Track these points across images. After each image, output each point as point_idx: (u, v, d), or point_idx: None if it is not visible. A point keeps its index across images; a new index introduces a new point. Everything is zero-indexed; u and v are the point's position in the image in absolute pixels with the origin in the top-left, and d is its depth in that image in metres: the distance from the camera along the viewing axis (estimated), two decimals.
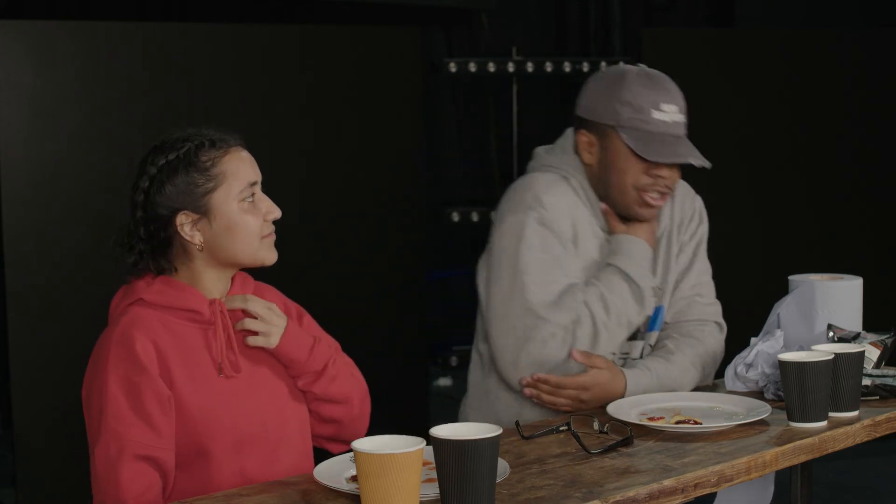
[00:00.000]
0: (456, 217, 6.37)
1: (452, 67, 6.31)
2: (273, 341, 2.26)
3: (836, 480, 4.66)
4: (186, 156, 2.22)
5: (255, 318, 2.26)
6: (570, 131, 2.82)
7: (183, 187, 2.21)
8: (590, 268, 2.70)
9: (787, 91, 5.16)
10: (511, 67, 6.46)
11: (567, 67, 6.48)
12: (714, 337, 2.80)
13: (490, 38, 7.21)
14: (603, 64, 6.50)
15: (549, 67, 6.47)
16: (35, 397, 4.20)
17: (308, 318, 2.43)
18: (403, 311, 4.74)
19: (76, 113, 4.24)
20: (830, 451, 2.31)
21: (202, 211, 2.21)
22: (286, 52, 4.58)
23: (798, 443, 2.25)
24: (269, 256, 2.27)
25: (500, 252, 2.68)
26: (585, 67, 6.49)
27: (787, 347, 2.66)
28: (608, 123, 2.68)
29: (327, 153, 4.61)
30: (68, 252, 4.23)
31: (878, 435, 2.43)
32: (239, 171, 2.23)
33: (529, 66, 6.46)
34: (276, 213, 2.27)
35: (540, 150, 2.85)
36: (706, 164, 2.70)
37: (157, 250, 2.25)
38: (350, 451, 1.89)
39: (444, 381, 6.51)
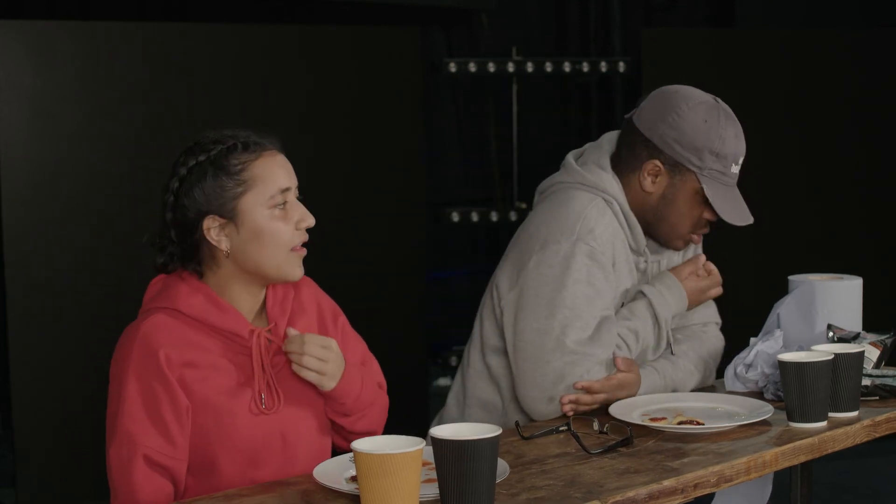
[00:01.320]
0: (456, 217, 6.36)
1: (452, 67, 6.30)
2: (328, 385, 2.21)
3: (836, 480, 4.65)
4: (216, 158, 2.16)
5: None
6: (605, 141, 2.72)
7: (211, 191, 2.15)
8: (621, 293, 2.65)
9: (787, 91, 5.16)
10: (511, 67, 6.45)
11: (567, 67, 6.47)
12: (716, 336, 2.80)
13: (490, 38, 7.20)
14: (603, 64, 6.50)
15: (549, 67, 6.47)
16: (35, 397, 4.20)
17: (343, 319, 2.39)
18: (403, 311, 4.75)
19: (76, 113, 4.24)
20: (830, 451, 2.31)
21: (230, 216, 2.16)
22: (286, 52, 4.58)
23: (798, 443, 2.25)
24: (295, 272, 2.21)
25: (539, 279, 2.56)
26: (585, 67, 6.48)
27: (786, 347, 2.66)
28: (690, 168, 2.59)
29: (327, 153, 4.60)
30: (68, 252, 4.23)
31: (877, 435, 2.43)
32: (270, 175, 2.17)
33: (529, 66, 6.45)
34: (310, 220, 2.20)
35: (573, 163, 2.73)
36: (751, 220, 2.68)
37: (187, 254, 2.20)
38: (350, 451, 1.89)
39: (444, 381, 6.50)
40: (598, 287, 2.54)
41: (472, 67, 6.34)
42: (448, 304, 7.12)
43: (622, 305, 2.66)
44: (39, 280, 4.19)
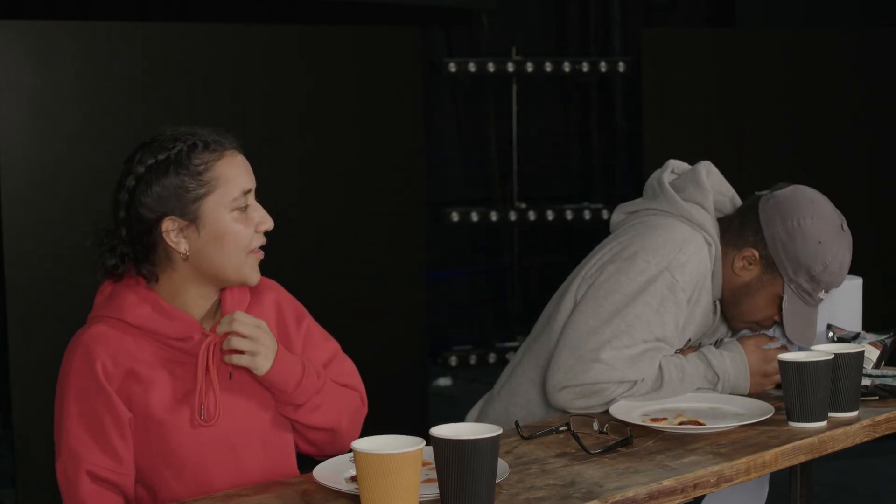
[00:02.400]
0: (456, 217, 6.37)
1: (452, 67, 6.31)
2: (261, 365, 2.10)
3: (835, 480, 4.65)
4: (178, 157, 2.07)
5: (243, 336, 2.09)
6: (703, 177, 2.67)
7: (172, 191, 2.07)
8: (690, 330, 2.63)
9: (787, 91, 5.17)
10: (511, 67, 6.46)
11: (567, 67, 6.48)
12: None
13: (490, 38, 7.21)
14: (603, 64, 6.50)
15: (548, 67, 6.48)
16: (35, 397, 4.20)
17: (309, 321, 2.31)
18: (403, 311, 4.75)
19: (76, 113, 4.24)
20: (830, 451, 2.31)
21: (191, 217, 2.08)
22: (286, 52, 4.58)
23: (797, 443, 2.25)
24: (253, 276, 2.14)
25: (614, 285, 2.54)
26: (585, 67, 6.49)
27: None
28: (784, 276, 2.58)
29: (327, 153, 4.60)
30: (68, 252, 4.23)
31: (877, 435, 2.43)
32: (233, 177, 2.10)
33: (529, 66, 6.46)
34: (269, 223, 2.14)
35: (674, 195, 2.66)
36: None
37: (140, 255, 2.11)
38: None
39: (444, 381, 6.51)
40: (664, 319, 2.53)
41: (472, 67, 6.35)
42: (448, 304, 7.12)
43: (699, 345, 2.66)
44: (39, 280, 4.19)
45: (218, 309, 2.20)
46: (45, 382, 4.21)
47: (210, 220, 2.09)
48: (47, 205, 4.20)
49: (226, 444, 2.13)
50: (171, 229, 2.09)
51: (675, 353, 2.60)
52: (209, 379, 2.11)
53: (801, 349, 2.56)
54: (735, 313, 2.67)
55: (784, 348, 2.65)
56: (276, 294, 2.30)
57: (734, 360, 2.59)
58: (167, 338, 2.10)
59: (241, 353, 2.09)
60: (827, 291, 2.60)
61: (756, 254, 2.60)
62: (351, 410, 2.28)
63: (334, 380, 2.27)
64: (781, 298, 2.59)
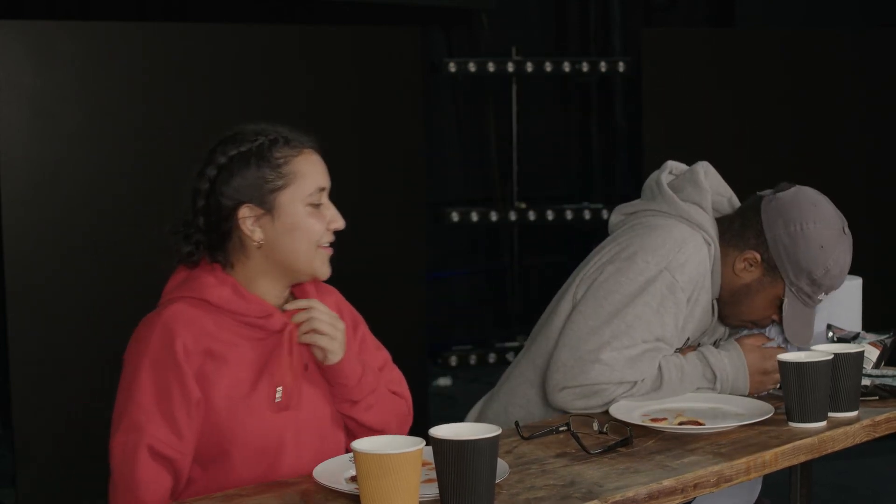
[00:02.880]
0: (456, 217, 6.37)
1: (452, 67, 6.31)
2: (337, 352, 2.20)
3: (835, 480, 4.65)
4: (259, 150, 2.17)
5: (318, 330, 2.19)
6: (701, 176, 2.67)
7: (252, 181, 2.16)
8: (689, 329, 2.62)
9: (787, 91, 5.17)
10: (511, 67, 6.46)
11: (567, 67, 6.48)
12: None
13: (490, 38, 7.21)
14: (602, 64, 6.49)
15: (548, 67, 6.48)
16: (35, 397, 4.20)
17: (364, 328, 2.39)
18: (403, 311, 4.75)
19: (76, 113, 4.24)
20: (830, 451, 2.31)
21: (267, 207, 2.16)
22: (286, 52, 4.58)
23: (797, 443, 2.25)
24: (324, 269, 2.23)
25: (614, 286, 2.55)
26: (585, 67, 6.49)
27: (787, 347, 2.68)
28: (785, 279, 2.58)
29: (327, 153, 4.60)
30: (68, 252, 4.23)
31: (877, 435, 2.43)
32: (310, 173, 2.20)
33: (529, 66, 6.46)
34: (340, 223, 2.23)
35: (673, 196, 2.66)
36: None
37: (215, 243, 2.19)
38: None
39: (444, 381, 6.51)
40: (664, 319, 2.53)
41: (472, 67, 6.35)
42: (448, 304, 7.13)
43: (695, 343, 2.66)
44: (39, 280, 4.19)
45: (289, 301, 2.27)
46: (45, 382, 4.23)
47: (285, 211, 2.18)
48: (47, 205, 4.20)
49: (293, 431, 2.18)
50: (247, 217, 2.17)
51: (675, 352, 2.60)
52: (291, 363, 2.18)
53: (799, 349, 2.57)
54: (733, 312, 2.67)
55: (782, 348, 2.65)
56: (337, 298, 2.38)
57: (732, 359, 2.59)
58: (247, 317, 2.16)
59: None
60: (826, 294, 2.61)
61: (758, 256, 2.60)
62: (399, 417, 2.36)
63: (385, 386, 2.35)
64: (781, 300, 2.59)
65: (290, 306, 2.21)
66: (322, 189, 2.22)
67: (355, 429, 2.28)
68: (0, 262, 4.26)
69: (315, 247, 2.20)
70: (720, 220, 2.67)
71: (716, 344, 2.71)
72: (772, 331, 2.69)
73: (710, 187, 2.69)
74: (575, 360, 2.50)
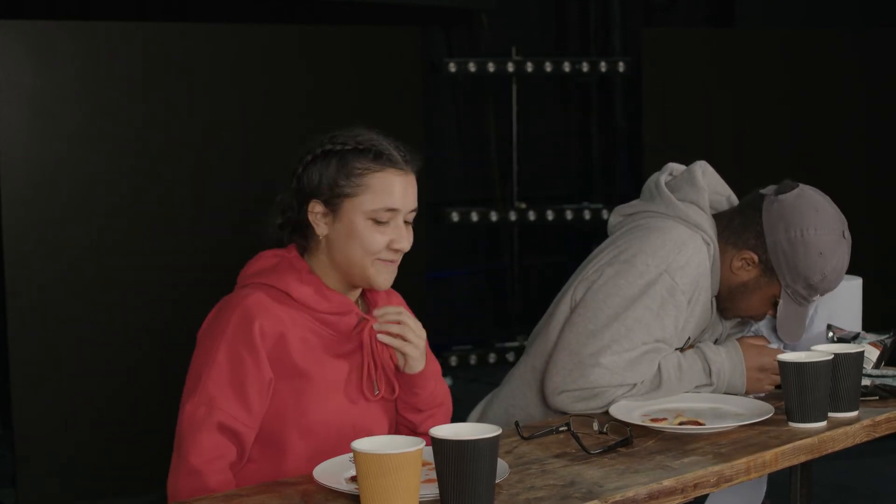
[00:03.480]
0: (456, 217, 6.36)
1: (452, 67, 6.31)
2: (419, 364, 2.28)
3: (835, 480, 4.65)
4: (344, 154, 2.24)
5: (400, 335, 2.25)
6: (698, 176, 2.68)
7: (327, 180, 2.23)
8: (689, 329, 2.63)
9: (787, 91, 5.17)
10: (511, 67, 6.45)
11: (567, 67, 6.48)
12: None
13: (490, 38, 7.21)
14: (602, 64, 6.49)
15: (548, 67, 6.47)
16: (35, 397, 4.20)
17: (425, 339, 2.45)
18: None
19: (76, 113, 4.24)
20: (830, 451, 2.31)
21: (333, 208, 2.24)
22: (286, 52, 4.58)
23: (797, 443, 2.25)
24: (379, 280, 2.27)
25: (613, 289, 2.55)
26: (585, 67, 6.48)
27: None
28: (781, 281, 2.59)
29: None
30: (68, 252, 4.23)
31: (877, 435, 2.43)
32: (383, 192, 2.23)
33: (529, 66, 6.46)
34: (403, 244, 2.26)
35: (671, 196, 2.67)
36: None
37: (298, 225, 2.28)
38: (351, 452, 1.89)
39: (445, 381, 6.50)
40: (664, 321, 2.53)
41: (472, 67, 6.35)
42: (448, 304, 7.12)
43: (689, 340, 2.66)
44: (39, 280, 4.19)
45: (359, 303, 2.35)
46: (45, 382, 4.23)
47: (346, 218, 2.24)
48: (47, 205, 4.20)
49: (351, 424, 2.25)
50: (315, 211, 2.25)
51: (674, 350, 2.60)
52: (373, 362, 2.27)
53: (794, 347, 2.58)
54: (729, 307, 2.68)
55: (782, 350, 2.65)
56: (404, 307, 2.41)
57: (730, 355, 2.59)
58: (327, 314, 2.24)
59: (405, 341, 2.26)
60: (822, 295, 2.62)
61: (756, 257, 2.60)
62: (447, 421, 2.41)
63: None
64: (776, 299, 2.60)
65: (378, 312, 2.26)
66: (391, 210, 2.24)
67: (407, 434, 2.33)
68: (0, 262, 4.26)
69: (370, 258, 2.25)
70: (719, 216, 2.67)
71: (716, 342, 2.71)
72: (764, 327, 2.71)
73: (709, 186, 2.69)
74: (574, 364, 2.50)
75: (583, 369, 2.48)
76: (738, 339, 2.65)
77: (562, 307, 2.66)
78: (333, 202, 2.24)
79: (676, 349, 2.60)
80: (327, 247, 2.27)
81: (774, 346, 2.66)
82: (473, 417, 2.82)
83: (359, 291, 2.34)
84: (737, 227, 2.63)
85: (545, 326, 2.70)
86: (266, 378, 2.18)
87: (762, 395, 2.61)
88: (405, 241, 2.27)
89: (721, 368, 2.57)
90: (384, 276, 2.28)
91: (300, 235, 2.29)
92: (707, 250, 2.61)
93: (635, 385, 2.48)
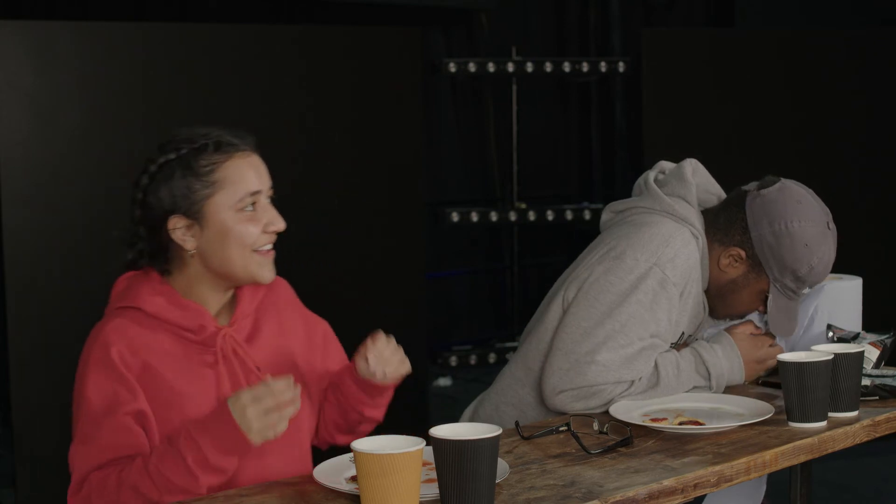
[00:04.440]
0: (456, 217, 6.37)
1: (452, 67, 6.31)
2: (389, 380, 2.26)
3: (836, 480, 4.65)
4: (185, 158, 2.14)
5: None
6: (688, 172, 2.69)
7: (178, 191, 2.13)
8: (683, 323, 2.64)
9: (787, 91, 5.16)
10: (511, 67, 6.46)
11: (567, 67, 6.48)
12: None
13: (490, 38, 7.21)
14: (602, 64, 6.49)
15: (548, 67, 6.48)
16: (35, 397, 4.20)
17: (304, 312, 2.39)
18: (403, 311, 4.74)
19: (76, 113, 4.24)
20: (830, 451, 2.32)
21: (195, 217, 2.14)
22: (286, 52, 4.58)
23: (798, 443, 2.25)
24: (263, 274, 2.18)
25: (605, 286, 2.55)
26: (585, 67, 6.49)
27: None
28: (769, 275, 2.60)
29: (327, 153, 4.60)
30: (68, 252, 4.23)
31: (877, 435, 2.43)
32: (240, 178, 2.14)
33: (529, 66, 6.46)
34: (279, 224, 2.18)
35: (659, 192, 2.68)
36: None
37: (155, 251, 2.18)
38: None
39: (444, 381, 6.51)
40: (657, 315, 2.54)
41: (472, 67, 6.35)
42: (448, 304, 7.13)
43: (683, 336, 2.66)
44: (39, 280, 4.19)
45: (233, 304, 2.24)
46: (45, 382, 4.23)
47: (214, 219, 2.14)
48: (47, 205, 4.20)
49: None
50: (177, 227, 2.14)
51: (670, 348, 2.60)
52: (229, 369, 2.16)
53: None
54: (719, 306, 2.69)
55: (771, 336, 2.67)
56: (287, 291, 2.37)
57: (726, 352, 2.60)
58: (182, 329, 2.14)
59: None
60: (811, 288, 2.64)
61: (743, 253, 2.61)
62: None
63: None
64: (766, 294, 2.61)
65: (373, 358, 2.20)
66: (254, 193, 2.16)
67: (360, 423, 2.32)
68: (0, 262, 4.25)
69: (250, 252, 2.16)
70: (706, 213, 2.68)
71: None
72: (755, 318, 2.72)
73: (700, 184, 2.71)
74: (571, 364, 2.50)
75: (579, 368, 2.48)
76: (727, 330, 2.65)
77: (554, 306, 2.66)
78: (195, 210, 2.12)
79: (672, 347, 2.61)
80: (200, 259, 2.16)
81: (760, 325, 2.67)
82: (465, 416, 2.83)
83: (230, 296, 2.24)
84: (722, 225, 2.64)
85: (537, 324, 2.70)
86: (140, 406, 2.10)
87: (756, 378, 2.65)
88: (279, 220, 2.18)
89: (720, 372, 2.58)
90: (267, 269, 2.19)
91: (159, 261, 2.19)
92: (696, 243, 2.62)
93: (633, 382, 2.49)
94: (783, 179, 2.64)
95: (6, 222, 4.13)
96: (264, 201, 2.18)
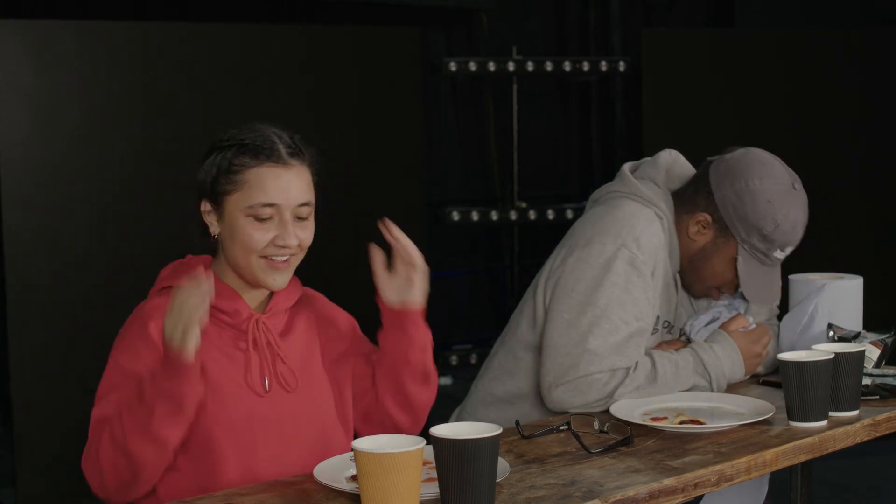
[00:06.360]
0: (456, 217, 6.36)
1: (452, 67, 6.30)
2: (418, 297, 2.34)
3: (836, 480, 4.65)
4: (223, 152, 2.22)
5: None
6: (662, 160, 2.73)
7: (210, 177, 2.22)
8: (657, 306, 2.65)
9: (787, 91, 5.17)
10: (511, 67, 6.45)
11: (567, 67, 6.48)
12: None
13: (490, 38, 7.21)
14: (603, 63, 6.49)
15: (549, 67, 6.47)
16: (35, 397, 4.20)
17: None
18: None
19: (76, 113, 4.24)
20: (830, 450, 2.32)
21: (217, 206, 2.22)
22: (287, 52, 4.58)
23: (798, 442, 2.25)
24: (268, 280, 2.22)
25: (578, 275, 2.58)
26: (585, 67, 6.48)
27: (783, 347, 2.69)
28: (737, 237, 2.61)
29: (327, 153, 4.59)
30: (68, 252, 4.23)
31: (878, 434, 2.43)
32: (259, 188, 2.19)
33: (529, 66, 6.45)
34: (287, 241, 2.20)
35: (629, 175, 2.72)
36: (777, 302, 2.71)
37: (204, 228, 2.27)
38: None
39: (444, 381, 6.50)
40: (634, 295, 2.55)
41: (472, 67, 6.34)
42: (448, 304, 7.12)
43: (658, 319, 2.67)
44: (39, 280, 4.19)
45: (269, 301, 2.30)
46: (44, 382, 4.23)
47: (229, 216, 2.21)
48: (47, 205, 4.20)
49: (275, 418, 2.20)
50: (205, 210, 2.25)
51: (661, 343, 2.62)
52: (259, 355, 2.21)
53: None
54: (695, 280, 2.69)
55: (764, 326, 2.67)
56: (323, 304, 2.47)
57: (725, 350, 2.60)
58: (217, 310, 2.20)
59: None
60: (783, 250, 2.61)
61: (709, 217, 2.63)
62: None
63: None
64: (736, 259, 2.62)
65: (391, 234, 2.39)
66: (269, 206, 2.20)
67: (395, 413, 2.30)
68: (0, 262, 4.25)
69: (255, 256, 2.21)
70: (675, 193, 2.70)
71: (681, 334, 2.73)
72: (735, 303, 2.70)
73: (681, 175, 2.73)
74: (562, 358, 2.52)
75: (571, 360, 2.50)
76: (724, 328, 2.65)
77: (527, 300, 2.73)
78: (217, 200, 2.22)
79: (663, 341, 2.62)
80: (221, 246, 2.25)
81: (753, 326, 2.67)
82: (454, 416, 2.85)
83: (263, 293, 2.29)
84: (689, 195, 2.67)
85: (519, 315, 2.75)
86: None
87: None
88: (290, 237, 2.21)
89: (720, 372, 2.59)
90: (272, 277, 2.23)
91: (207, 236, 2.27)
92: (660, 224, 2.64)
93: (628, 371, 2.49)
94: (748, 147, 2.68)
95: (6, 222, 4.13)
96: (286, 216, 2.22)
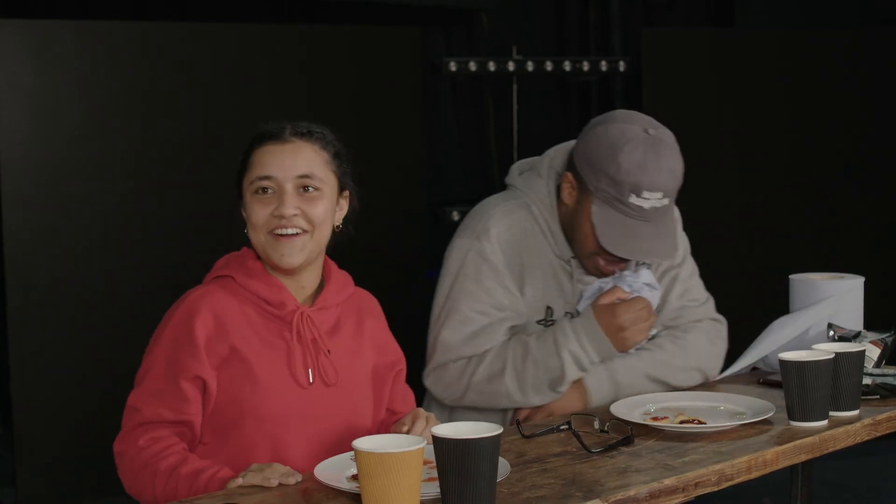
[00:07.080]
0: (456, 217, 6.35)
1: (452, 67, 6.30)
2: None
3: (836, 480, 4.65)
4: (251, 141, 2.30)
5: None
6: (551, 152, 2.79)
7: (236, 172, 2.31)
8: (540, 294, 2.68)
9: (787, 91, 5.16)
10: (511, 67, 6.45)
11: (567, 67, 6.47)
12: (706, 331, 2.78)
13: (490, 38, 7.20)
14: (603, 63, 6.49)
15: (549, 67, 6.47)
16: (35, 397, 4.20)
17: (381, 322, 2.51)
18: (403, 312, 4.73)
19: (76, 113, 4.24)
20: (831, 450, 2.32)
21: (240, 192, 2.30)
22: (286, 52, 4.58)
23: (798, 442, 2.25)
24: (278, 257, 2.25)
25: (444, 274, 2.74)
26: (585, 67, 6.48)
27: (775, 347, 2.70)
28: (590, 185, 2.61)
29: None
30: (68, 252, 4.23)
31: (878, 434, 2.43)
32: (259, 162, 2.26)
33: (529, 66, 6.45)
34: (284, 210, 2.23)
35: (515, 168, 2.84)
36: (664, 258, 2.66)
37: (244, 222, 2.32)
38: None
39: None
40: (486, 286, 2.64)
41: (472, 67, 6.34)
42: None
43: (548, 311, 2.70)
44: (39, 280, 4.19)
45: (318, 293, 2.34)
46: (45, 382, 4.23)
47: (244, 196, 2.28)
48: (47, 205, 4.20)
49: (309, 413, 2.23)
50: (241, 205, 2.32)
51: (538, 323, 2.66)
52: (303, 348, 2.24)
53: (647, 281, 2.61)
54: (576, 250, 2.68)
55: (640, 297, 2.64)
56: (376, 306, 2.54)
57: (584, 326, 2.61)
58: (264, 301, 2.24)
59: None
60: (638, 195, 2.55)
61: (570, 175, 2.65)
62: None
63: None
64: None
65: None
66: (265, 178, 2.24)
67: None
68: (0, 262, 4.25)
69: (265, 233, 2.25)
70: (532, 175, 2.77)
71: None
72: (626, 278, 2.66)
73: (564, 157, 2.73)
74: (429, 350, 2.69)
75: (431, 351, 2.66)
76: (592, 305, 2.65)
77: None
78: (239, 186, 2.30)
79: (541, 324, 2.66)
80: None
81: (628, 290, 2.63)
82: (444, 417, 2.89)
83: (308, 287, 2.33)
84: (538, 163, 2.76)
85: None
86: (201, 373, 2.18)
87: (635, 346, 2.63)
88: (286, 206, 2.23)
89: (575, 350, 2.58)
90: (280, 252, 2.25)
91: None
92: (526, 212, 2.68)
93: (471, 359, 2.59)
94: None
95: (6, 222, 4.13)
96: (286, 187, 2.24)
